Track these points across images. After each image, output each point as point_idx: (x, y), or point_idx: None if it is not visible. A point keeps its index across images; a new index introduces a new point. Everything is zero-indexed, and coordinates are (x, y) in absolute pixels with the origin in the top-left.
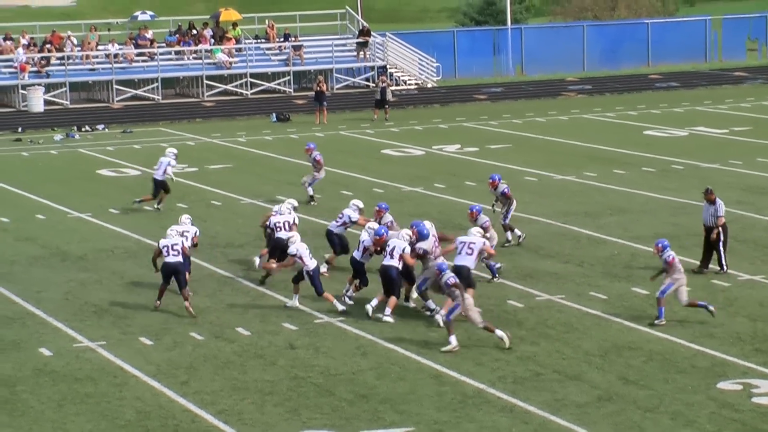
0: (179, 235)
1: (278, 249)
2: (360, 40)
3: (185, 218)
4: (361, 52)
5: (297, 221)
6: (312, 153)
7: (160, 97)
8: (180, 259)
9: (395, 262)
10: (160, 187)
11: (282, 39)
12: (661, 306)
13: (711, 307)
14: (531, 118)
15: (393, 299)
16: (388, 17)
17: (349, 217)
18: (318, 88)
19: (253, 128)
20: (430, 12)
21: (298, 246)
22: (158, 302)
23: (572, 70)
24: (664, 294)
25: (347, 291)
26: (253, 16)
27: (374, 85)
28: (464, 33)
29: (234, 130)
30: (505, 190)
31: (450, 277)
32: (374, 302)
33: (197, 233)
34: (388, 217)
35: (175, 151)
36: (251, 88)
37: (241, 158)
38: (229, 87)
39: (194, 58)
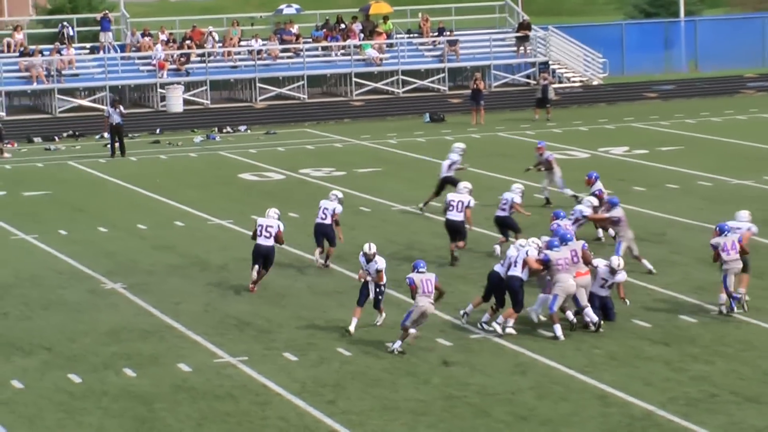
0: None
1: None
2: (520, 34)
3: (273, 212)
4: (521, 47)
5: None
6: (543, 153)
7: (305, 96)
8: (271, 243)
9: (519, 272)
10: (447, 183)
11: (436, 33)
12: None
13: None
14: (705, 118)
15: (512, 311)
16: (549, 9)
17: (512, 200)
18: (475, 86)
19: (405, 129)
20: (595, 4)
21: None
22: (252, 286)
23: (751, 66)
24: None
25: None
26: (405, 9)
27: (535, 82)
28: (633, 26)
29: (384, 132)
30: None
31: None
32: (470, 308)
33: (281, 227)
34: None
35: (463, 146)
36: (403, 87)
37: (392, 161)
38: (379, 85)
39: (342, 55)
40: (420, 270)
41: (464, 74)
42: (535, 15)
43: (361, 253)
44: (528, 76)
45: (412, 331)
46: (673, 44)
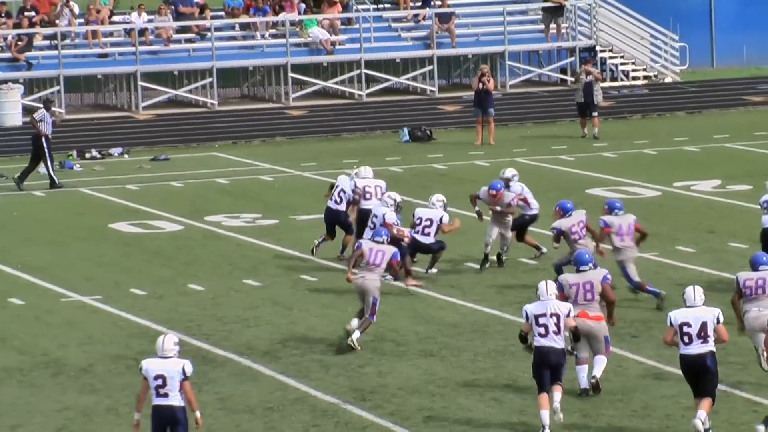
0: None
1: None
2: (550, 4)
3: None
4: (552, 26)
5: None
6: (501, 198)
7: (215, 102)
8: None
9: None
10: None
11: (419, 4)
12: None
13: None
14: None
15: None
16: None
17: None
18: (480, 86)
19: (371, 153)
20: None
21: None
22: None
23: None
24: None
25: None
26: None
27: (573, 79)
28: None
29: (338, 156)
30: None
31: None
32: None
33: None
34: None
35: (443, 198)
36: (368, 86)
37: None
38: (330, 84)
39: (273, 36)
40: (377, 239)
41: (464, 67)
42: None
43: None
44: (563, 70)
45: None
46: None
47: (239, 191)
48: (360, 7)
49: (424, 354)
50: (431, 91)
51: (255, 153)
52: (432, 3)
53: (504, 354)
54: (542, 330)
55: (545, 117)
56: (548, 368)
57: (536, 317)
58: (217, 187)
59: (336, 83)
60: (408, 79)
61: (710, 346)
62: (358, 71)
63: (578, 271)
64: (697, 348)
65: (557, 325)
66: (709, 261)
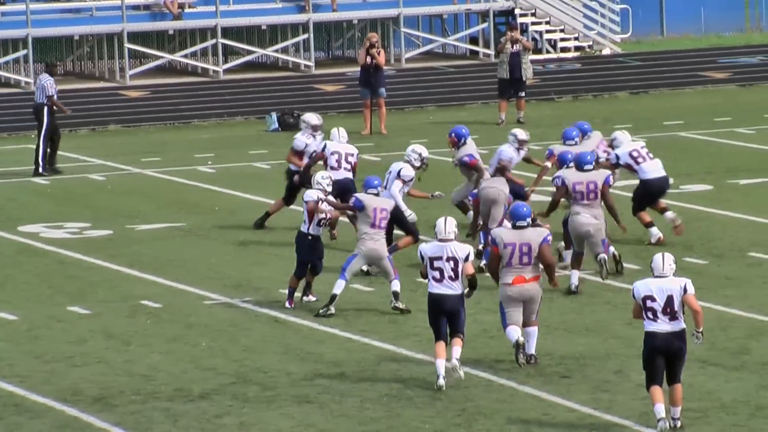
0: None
1: None
2: None
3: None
4: None
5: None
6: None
7: (30, 80)
8: (350, 175)
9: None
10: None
11: None
12: None
13: None
14: None
15: None
16: None
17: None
18: (369, 60)
19: (230, 145)
20: None
21: None
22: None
23: None
24: None
25: None
26: None
27: (494, 52)
28: None
29: (188, 149)
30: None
31: None
32: None
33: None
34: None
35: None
36: (225, 60)
37: (204, 211)
38: (177, 58)
39: None
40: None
41: (347, 36)
42: None
43: None
44: (473, 40)
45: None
46: None
47: (62, 194)
48: None
49: (299, 400)
50: (306, 66)
51: (82, 145)
52: None
53: (399, 399)
54: (437, 274)
55: (450, 99)
56: (444, 315)
57: (431, 260)
58: (34, 188)
59: (185, 56)
60: (277, 51)
61: (681, 323)
62: (213, 41)
63: (515, 226)
64: (664, 326)
65: (454, 270)
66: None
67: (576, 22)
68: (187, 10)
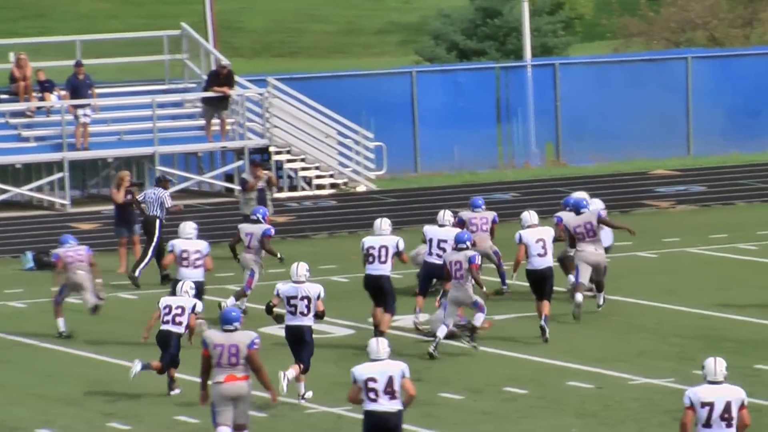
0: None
1: None
2: (212, 93)
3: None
4: (215, 121)
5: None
6: None
7: None
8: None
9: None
10: None
11: (38, 90)
12: None
13: None
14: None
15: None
16: (269, 47)
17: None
18: (125, 197)
19: None
20: (362, 32)
21: None
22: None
23: (665, 153)
24: None
25: None
26: None
27: (240, 188)
28: (434, 76)
29: None
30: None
31: None
32: None
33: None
34: None
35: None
36: None
37: None
38: None
39: None
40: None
41: (102, 174)
42: (247, 56)
43: None
44: (229, 177)
45: None
46: (512, 111)
47: None
48: None
49: None
50: (62, 204)
51: None
52: (54, 89)
53: None
54: (292, 309)
55: (208, 237)
56: (297, 345)
57: (288, 298)
58: None
59: None
60: (32, 189)
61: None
62: None
63: (224, 330)
64: None
65: (308, 307)
66: None
67: (331, 159)
68: None
